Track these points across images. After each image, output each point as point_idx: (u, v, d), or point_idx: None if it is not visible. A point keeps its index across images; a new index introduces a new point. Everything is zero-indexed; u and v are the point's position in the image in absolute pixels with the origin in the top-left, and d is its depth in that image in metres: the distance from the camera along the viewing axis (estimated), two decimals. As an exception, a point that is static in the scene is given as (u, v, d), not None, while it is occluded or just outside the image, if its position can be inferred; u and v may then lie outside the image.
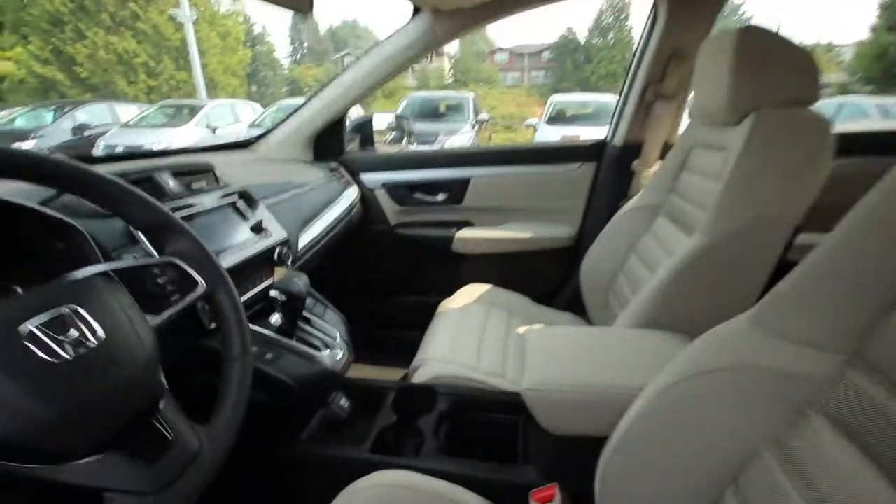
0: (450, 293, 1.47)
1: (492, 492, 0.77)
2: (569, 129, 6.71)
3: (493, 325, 1.30)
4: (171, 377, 0.54)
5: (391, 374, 1.69)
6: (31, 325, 0.39)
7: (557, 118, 7.41)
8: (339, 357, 0.91)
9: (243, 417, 0.54)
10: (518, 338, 1.26)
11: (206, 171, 0.97)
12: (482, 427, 0.99)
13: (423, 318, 1.36)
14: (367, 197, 1.67)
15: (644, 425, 0.58)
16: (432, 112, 7.94)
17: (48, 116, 8.37)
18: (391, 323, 1.78)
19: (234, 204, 0.94)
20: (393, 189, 1.65)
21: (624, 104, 1.49)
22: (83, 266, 0.52)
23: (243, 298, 0.85)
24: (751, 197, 0.86)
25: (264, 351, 0.82)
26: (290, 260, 1.00)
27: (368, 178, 1.67)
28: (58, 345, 0.40)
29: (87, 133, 7.74)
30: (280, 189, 1.21)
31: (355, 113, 1.81)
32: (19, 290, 0.56)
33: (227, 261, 0.82)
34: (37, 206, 0.59)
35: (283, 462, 0.87)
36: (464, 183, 1.60)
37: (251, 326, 0.85)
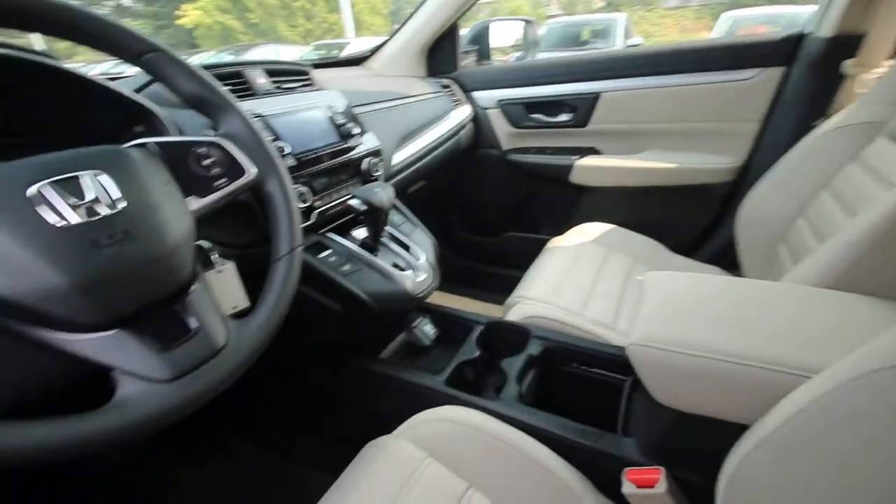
0: (564, 231, 1.28)
1: (576, 457, 0.63)
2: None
3: (610, 270, 1.09)
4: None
5: (488, 311, 1.61)
6: (40, 185, 0.36)
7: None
8: (420, 280, 0.83)
9: (282, 319, 0.49)
10: (639, 285, 1.04)
11: (302, 73, 0.92)
12: (577, 382, 0.84)
13: (531, 255, 1.21)
14: (479, 117, 1.51)
15: (817, 422, 0.38)
16: (573, 40, 7.13)
17: (230, 58, 9.67)
18: (497, 258, 1.66)
19: (323, 107, 0.88)
20: (508, 108, 1.46)
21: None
22: None
23: (325, 206, 0.81)
24: None
25: (343, 262, 0.77)
26: (379, 173, 0.92)
27: (483, 96, 1.50)
28: (67, 208, 0.36)
29: (255, 73, 8.78)
30: (380, 99, 1.13)
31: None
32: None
33: (307, 163, 0.77)
34: (125, 92, 0.58)
35: (356, 376, 0.85)
36: (591, 100, 1.33)
37: (334, 237, 0.81)
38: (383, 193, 0.78)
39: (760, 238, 1.02)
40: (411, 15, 1.45)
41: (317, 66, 1.42)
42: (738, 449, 0.47)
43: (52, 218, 0.35)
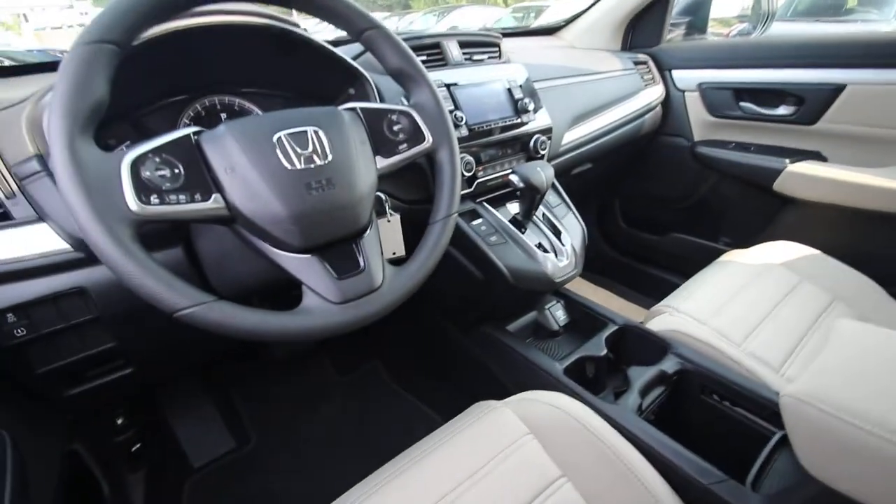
0: (748, 245, 1.10)
1: (689, 493, 0.59)
2: None
3: (796, 303, 0.91)
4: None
5: (626, 311, 1.51)
6: (282, 134, 0.47)
7: None
8: (562, 265, 0.82)
9: (428, 274, 0.55)
10: (828, 331, 0.85)
11: (492, 44, 0.95)
12: (713, 415, 0.75)
13: (697, 264, 1.09)
14: (673, 100, 1.35)
15: None
16: (833, 8, 5.60)
17: (433, 20, 10.29)
18: (655, 258, 1.52)
19: (505, 80, 0.90)
20: (711, 92, 1.27)
21: None
22: None
23: (486, 178, 0.85)
24: None
25: (492, 232, 0.81)
26: (545, 151, 0.92)
27: (683, 75, 1.33)
28: (295, 155, 0.47)
29: (454, 34, 9.21)
30: (563, 75, 1.10)
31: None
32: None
33: (479, 134, 0.82)
34: (347, 59, 0.70)
35: (483, 340, 0.90)
36: (830, 92, 1.07)
37: (489, 207, 0.86)
38: (543, 174, 0.78)
39: None
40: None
41: (509, 34, 1.45)
42: None
43: (286, 162, 0.46)
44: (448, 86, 0.81)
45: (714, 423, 0.77)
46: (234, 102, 0.72)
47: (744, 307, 0.89)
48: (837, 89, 1.06)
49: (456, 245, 0.81)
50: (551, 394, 0.68)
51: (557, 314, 0.94)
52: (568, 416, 0.64)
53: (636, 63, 1.32)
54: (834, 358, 0.52)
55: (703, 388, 0.77)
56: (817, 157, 1.14)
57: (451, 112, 0.78)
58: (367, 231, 0.53)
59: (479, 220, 0.82)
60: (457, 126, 0.78)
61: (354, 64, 0.72)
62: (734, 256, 1.06)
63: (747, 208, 1.27)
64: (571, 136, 1.06)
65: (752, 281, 0.96)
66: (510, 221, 0.85)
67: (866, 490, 0.44)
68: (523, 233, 0.85)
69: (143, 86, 0.64)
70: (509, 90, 0.89)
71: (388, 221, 0.69)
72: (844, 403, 0.46)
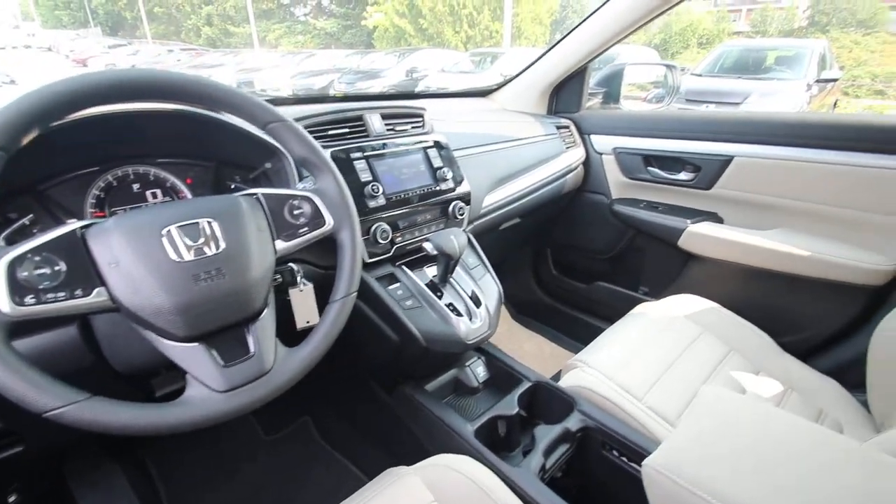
0: (661, 296, 1.19)
1: None
2: None
3: (695, 354, 1.00)
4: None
5: (558, 358, 1.57)
6: (172, 227, 0.49)
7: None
8: (475, 327, 0.87)
9: (323, 354, 0.58)
10: (728, 382, 0.93)
11: (415, 115, 1.02)
12: (611, 470, 0.80)
13: (621, 311, 1.17)
14: (592, 161, 1.47)
15: None
16: (754, 66, 6.26)
17: (394, 60, 10.64)
18: (584, 305, 1.60)
19: (425, 149, 0.96)
20: (624, 157, 1.39)
21: None
22: (282, 182, 0.64)
23: (405, 242, 0.89)
24: None
25: (407, 296, 0.85)
26: (463, 216, 0.98)
27: (600, 140, 1.45)
28: (185, 247, 0.49)
29: (414, 75, 9.53)
30: (486, 142, 1.18)
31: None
32: (189, 194, 0.73)
33: (396, 203, 0.86)
34: (263, 137, 0.74)
35: (403, 400, 0.92)
36: (722, 162, 1.20)
37: (407, 271, 0.90)
38: (455, 241, 0.83)
39: (894, 365, 0.84)
40: (543, 53, 1.47)
41: (446, 95, 1.55)
42: None
43: (173, 254, 0.48)
44: (367, 157, 0.86)
45: (615, 478, 0.82)
46: (148, 172, 0.73)
47: (648, 360, 0.96)
48: (727, 160, 1.20)
49: (373, 308, 0.84)
50: (459, 458, 0.71)
51: (478, 371, 0.97)
52: (471, 483, 0.67)
53: (559, 127, 1.44)
54: (695, 427, 0.58)
55: (604, 445, 0.82)
56: (714, 217, 1.27)
57: (368, 183, 0.83)
58: (263, 313, 0.55)
59: (397, 284, 0.86)
60: (373, 196, 0.83)
61: (273, 142, 0.75)
62: (644, 309, 1.14)
63: (660, 262, 1.38)
64: (494, 198, 1.14)
65: (658, 333, 1.04)
66: (427, 284, 0.89)
67: None
68: (440, 296, 0.89)
69: (49, 162, 0.64)
70: (428, 160, 0.96)
71: (301, 291, 0.72)
72: (698, 478, 0.51)
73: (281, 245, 0.58)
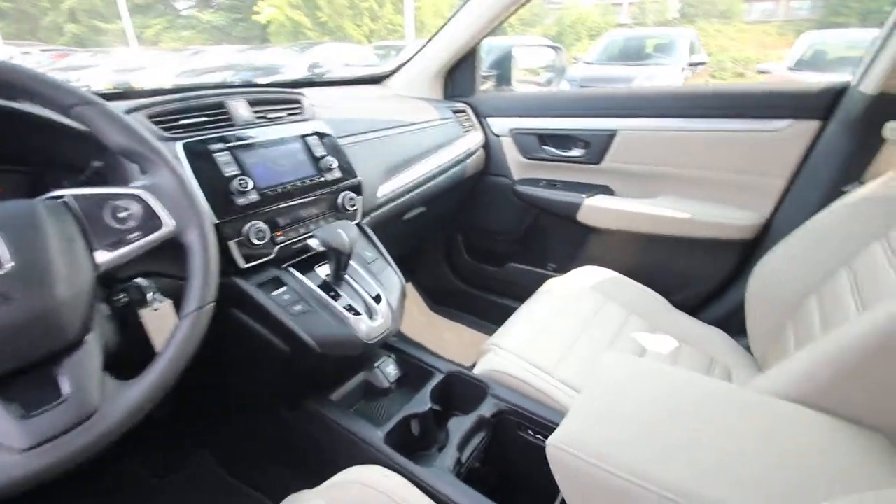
0: (568, 270, 1.22)
1: None
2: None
3: (600, 322, 1.02)
4: None
5: (478, 345, 1.56)
6: None
7: (813, 63, 5.51)
8: (376, 325, 0.80)
9: (170, 385, 0.48)
10: (629, 343, 0.97)
11: (291, 101, 0.93)
12: (530, 451, 0.79)
13: (534, 290, 1.17)
14: (491, 144, 1.47)
15: None
16: (636, 53, 6.84)
17: (295, 55, 10.09)
18: (499, 287, 1.61)
19: (304, 137, 0.87)
20: (520, 137, 1.41)
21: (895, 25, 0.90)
22: (120, 183, 0.52)
23: (290, 241, 0.81)
24: None
25: (295, 301, 0.77)
26: (355, 208, 0.91)
27: (497, 122, 1.45)
28: None
29: (317, 70, 9.12)
30: (378, 128, 1.11)
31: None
32: None
33: (273, 198, 0.77)
34: (83, 129, 0.61)
35: (305, 415, 0.84)
36: (607, 137, 1.26)
37: (295, 273, 0.81)
38: (344, 235, 0.76)
39: (770, 309, 0.92)
40: (433, 36, 1.43)
41: (333, 83, 1.45)
42: None
43: None
44: (232, 149, 0.76)
45: (534, 458, 0.81)
46: None
47: (556, 335, 0.96)
48: (611, 134, 1.25)
49: (256, 319, 0.75)
50: (368, 470, 0.65)
51: (388, 370, 0.91)
52: (380, 495, 0.61)
53: (455, 111, 1.41)
54: (594, 398, 0.57)
55: (519, 426, 0.80)
56: (606, 190, 1.32)
57: (235, 178, 0.73)
58: (82, 344, 0.44)
59: (283, 289, 0.77)
60: (242, 192, 0.73)
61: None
62: (551, 285, 1.16)
63: (564, 237, 1.42)
64: (391, 187, 1.08)
65: (564, 307, 1.05)
66: (321, 286, 0.81)
67: None
68: (335, 296, 0.82)
69: None
70: (309, 149, 0.87)
71: (156, 311, 0.61)
72: (602, 450, 0.50)
73: (104, 256, 0.47)
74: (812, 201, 0.97)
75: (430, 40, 1.43)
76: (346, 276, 0.84)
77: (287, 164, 0.83)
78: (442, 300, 1.75)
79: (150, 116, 0.72)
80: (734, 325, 1.06)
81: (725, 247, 1.16)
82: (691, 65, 6.29)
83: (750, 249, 1.13)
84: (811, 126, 1.02)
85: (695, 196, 1.20)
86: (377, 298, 0.84)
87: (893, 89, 0.89)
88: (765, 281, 0.95)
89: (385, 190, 1.05)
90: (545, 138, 1.36)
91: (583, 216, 1.31)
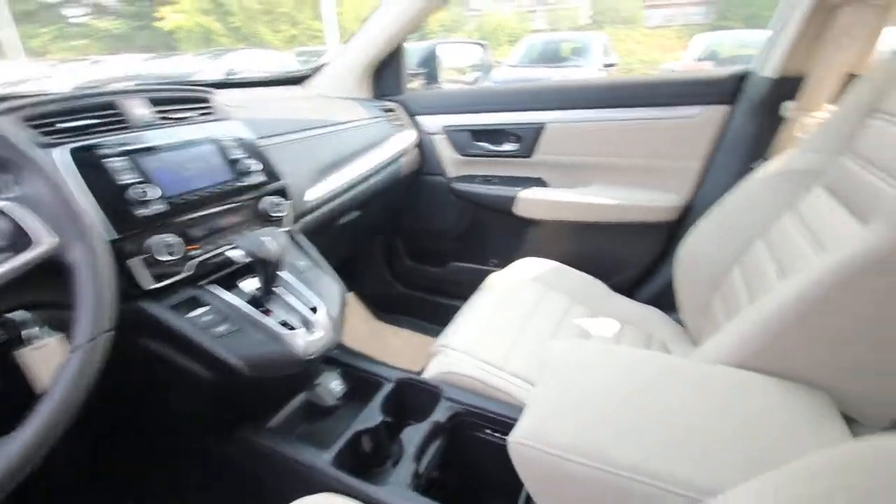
0: (509, 264, 1.21)
1: None
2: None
3: (543, 312, 1.02)
4: None
5: (427, 348, 1.52)
6: None
7: (709, 60, 6.12)
8: (315, 338, 0.74)
9: (61, 431, 0.39)
10: (572, 330, 0.97)
11: (198, 100, 0.84)
12: (489, 451, 0.76)
13: (477, 287, 1.14)
14: (425, 142, 1.44)
15: None
16: (554, 56, 7.18)
17: (208, 62, 9.47)
18: (442, 288, 1.58)
19: (216, 140, 0.79)
20: (454, 134, 1.39)
21: (789, 13, 0.99)
22: None
23: (207, 255, 0.72)
24: None
25: (219, 321, 0.68)
26: (282, 214, 0.84)
27: (429, 120, 1.43)
28: None
29: (235, 78, 8.65)
30: (301, 128, 1.04)
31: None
32: None
33: (184, 208, 0.68)
34: None
35: (241, 447, 0.75)
36: (536, 130, 1.27)
37: (217, 291, 0.72)
38: (271, 243, 0.69)
39: (697, 283, 0.96)
40: (355, 33, 1.38)
41: (251, 84, 1.35)
42: None
43: None
44: (129, 153, 0.66)
45: (495, 457, 0.78)
46: None
47: (502, 329, 0.95)
48: (540, 128, 1.27)
49: (170, 345, 0.66)
50: (318, 499, 0.59)
51: (332, 386, 0.85)
52: None
53: (385, 110, 1.37)
54: (550, 388, 0.56)
55: (476, 426, 0.78)
56: (540, 183, 1.34)
57: (131, 186, 0.63)
58: None
59: (203, 309, 0.68)
60: (143, 202, 0.64)
61: None
62: (493, 280, 1.14)
63: (503, 232, 1.42)
64: (321, 190, 1.01)
65: (508, 301, 1.04)
66: (249, 302, 0.73)
67: None
68: (268, 310, 0.74)
69: None
70: (224, 151, 0.79)
71: (38, 350, 0.51)
72: (563, 440, 0.48)
73: None
74: (726, 180, 1.04)
75: (353, 37, 1.37)
76: (278, 289, 0.77)
77: (198, 169, 0.74)
78: (385, 307, 1.69)
79: (26, 119, 0.61)
80: (667, 302, 1.10)
81: (653, 229, 1.22)
82: (605, 66, 6.70)
83: (675, 230, 1.20)
84: (720, 111, 1.10)
85: (622, 183, 1.25)
86: (315, 310, 0.77)
87: (787, 72, 0.97)
88: (690, 258, 1.00)
89: (315, 193, 0.99)
90: (478, 134, 1.36)
91: (519, 209, 1.32)
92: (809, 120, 0.95)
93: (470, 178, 1.42)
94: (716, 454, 0.44)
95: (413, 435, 0.73)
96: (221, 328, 0.67)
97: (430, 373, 0.87)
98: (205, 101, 0.84)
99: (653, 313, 1.08)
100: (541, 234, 1.35)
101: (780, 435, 0.46)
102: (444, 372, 0.84)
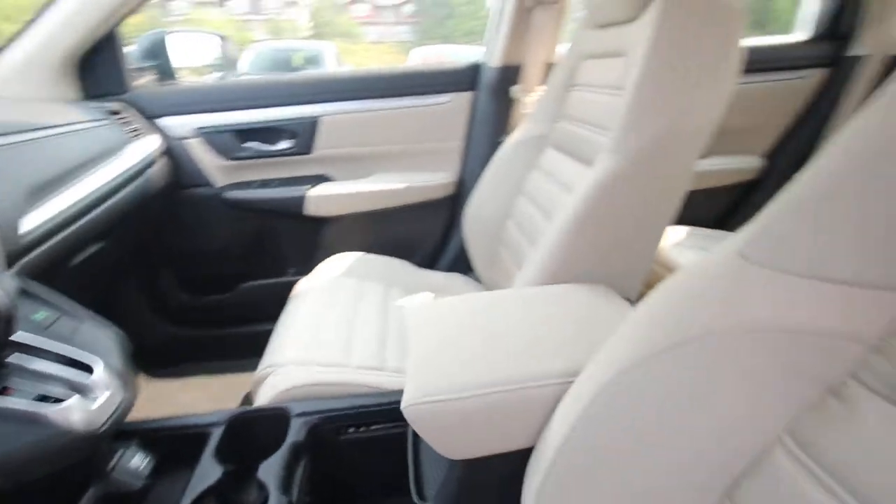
0: (311, 269, 1.14)
1: None
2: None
3: (366, 302, 1.02)
4: None
5: (238, 389, 1.32)
6: None
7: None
8: (98, 405, 0.54)
9: None
10: (398, 313, 1.00)
11: None
12: (359, 449, 0.72)
13: (280, 305, 1.03)
14: (175, 149, 1.20)
15: (594, 426, 0.39)
16: (285, 65, 7.01)
17: None
18: (236, 317, 1.38)
19: None
20: (213, 137, 1.21)
21: (500, 14, 1.24)
22: None
23: None
24: (663, 106, 0.69)
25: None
26: (-12, 252, 0.57)
27: (174, 123, 1.20)
28: None
29: None
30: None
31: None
32: None
33: None
34: None
35: None
36: (311, 124, 1.23)
37: None
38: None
39: (483, 242, 1.13)
40: (37, 15, 1.03)
41: None
42: (530, 479, 0.45)
43: None
44: None
45: (366, 454, 0.74)
46: None
47: (333, 327, 0.90)
48: (314, 121, 1.23)
49: None
50: None
51: (133, 464, 0.64)
52: None
53: (109, 113, 1.08)
54: (420, 347, 0.57)
55: (339, 430, 0.72)
56: (325, 179, 1.31)
57: None
58: None
59: None
60: None
61: None
62: (304, 285, 1.07)
63: (295, 237, 1.33)
64: (40, 218, 0.73)
65: (328, 300, 0.99)
66: None
67: (504, 440, 0.51)
68: (3, 391, 0.50)
69: None
70: None
71: None
72: (443, 383, 0.50)
73: None
74: (485, 153, 1.24)
75: (31, 21, 1.03)
76: (12, 359, 0.53)
77: None
78: (161, 360, 1.36)
79: None
80: (465, 265, 1.26)
81: (436, 205, 1.36)
82: (342, 70, 6.95)
83: (455, 202, 1.36)
84: (466, 96, 1.29)
85: (399, 168, 1.34)
86: (90, 368, 0.56)
87: (509, 62, 1.23)
88: (472, 223, 1.16)
89: (34, 221, 0.71)
90: (245, 134, 1.22)
91: (310, 209, 1.26)
92: (530, 98, 1.22)
93: (245, 185, 1.27)
94: (562, 346, 0.54)
95: (272, 468, 0.62)
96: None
97: (266, 398, 0.75)
98: None
99: (457, 278, 1.21)
100: (338, 230, 1.32)
101: (596, 319, 0.59)
102: (284, 390, 0.75)
